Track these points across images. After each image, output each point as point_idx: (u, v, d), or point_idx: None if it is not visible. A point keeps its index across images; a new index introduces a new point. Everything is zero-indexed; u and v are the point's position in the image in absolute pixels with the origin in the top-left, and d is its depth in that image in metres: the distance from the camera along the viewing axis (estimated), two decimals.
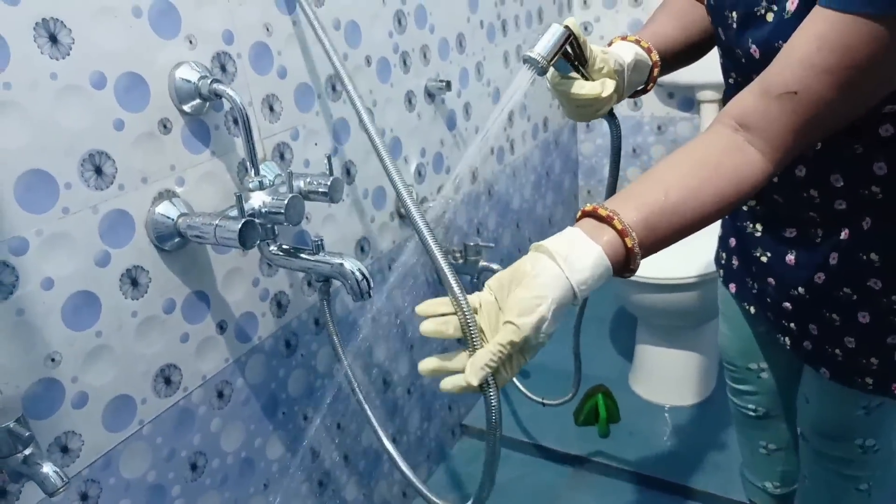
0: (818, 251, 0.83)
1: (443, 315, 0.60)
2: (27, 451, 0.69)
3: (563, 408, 1.63)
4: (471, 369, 0.58)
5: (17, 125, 0.74)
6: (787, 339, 0.93)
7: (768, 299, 0.93)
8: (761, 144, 0.64)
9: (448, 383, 0.59)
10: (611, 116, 0.89)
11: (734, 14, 0.76)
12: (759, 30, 0.71)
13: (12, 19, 0.73)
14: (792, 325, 0.91)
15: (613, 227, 0.60)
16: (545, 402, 1.61)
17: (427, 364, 0.61)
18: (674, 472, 1.56)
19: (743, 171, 0.64)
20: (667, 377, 1.77)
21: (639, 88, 0.88)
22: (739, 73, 0.81)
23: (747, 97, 0.65)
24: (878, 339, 0.82)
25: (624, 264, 0.61)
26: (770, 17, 0.69)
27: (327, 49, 0.97)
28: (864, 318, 0.82)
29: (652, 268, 1.54)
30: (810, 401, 0.97)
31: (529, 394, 1.65)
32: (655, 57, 0.86)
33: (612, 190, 0.99)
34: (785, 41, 0.65)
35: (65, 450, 0.84)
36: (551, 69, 0.77)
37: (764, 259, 0.91)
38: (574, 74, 0.80)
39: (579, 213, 0.64)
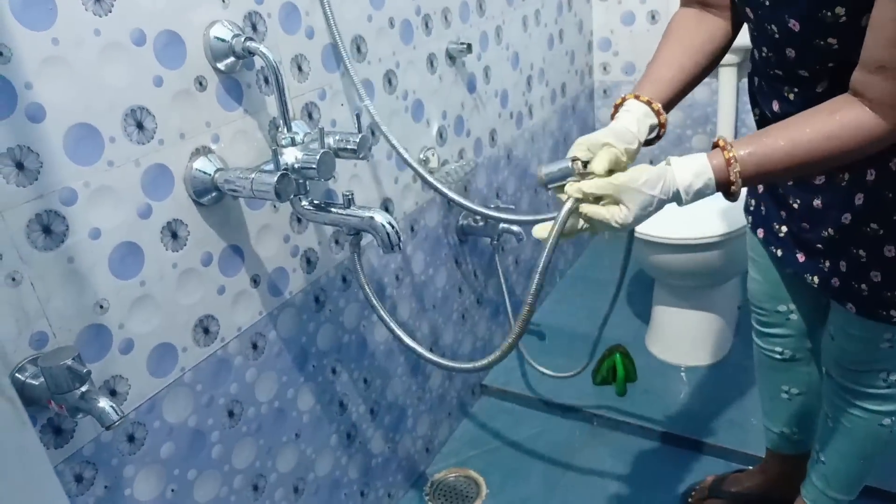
0: (844, 193, 0.87)
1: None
2: (84, 388, 0.73)
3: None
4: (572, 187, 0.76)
5: (65, 80, 0.77)
6: (815, 278, 0.98)
7: (804, 239, 0.98)
8: (873, 107, 0.72)
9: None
10: None
11: None
12: (795, 5, 0.77)
13: None
14: (826, 262, 0.95)
15: (721, 150, 0.76)
16: (553, 375, 1.63)
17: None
18: (689, 428, 1.60)
19: (854, 119, 0.73)
20: (683, 338, 1.80)
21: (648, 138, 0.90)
22: (771, 48, 0.85)
23: (855, 74, 0.74)
24: None
25: (726, 181, 0.75)
26: None
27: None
28: (889, 251, 0.87)
29: (669, 228, 1.56)
30: (836, 338, 1.01)
31: (538, 366, 1.68)
32: (663, 119, 0.89)
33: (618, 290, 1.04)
34: (829, 10, 0.73)
35: (113, 393, 0.88)
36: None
37: (795, 205, 0.96)
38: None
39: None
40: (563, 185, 0.79)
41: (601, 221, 0.75)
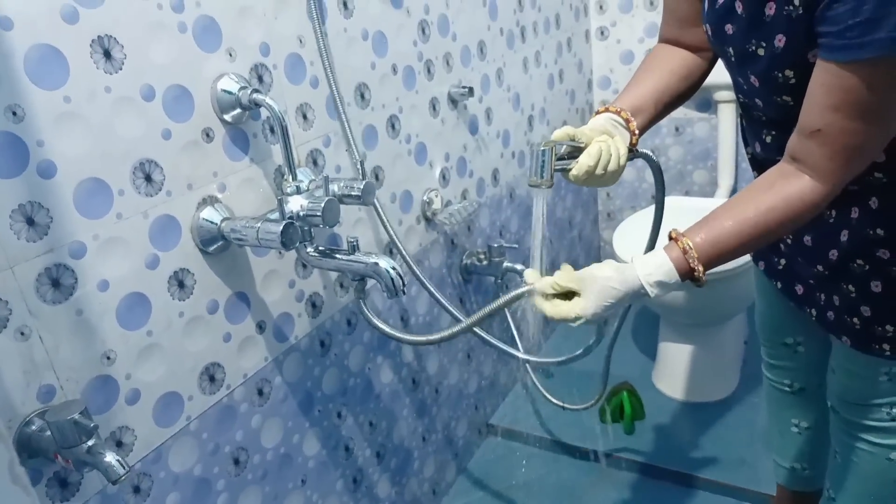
0: (831, 230, 0.90)
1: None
2: (90, 442, 0.73)
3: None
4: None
5: (77, 136, 0.79)
6: (813, 310, 1.00)
7: (800, 273, 1.00)
8: (810, 172, 0.77)
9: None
10: (643, 157, 0.96)
11: (731, 50, 0.85)
12: (755, 64, 0.82)
13: (71, 37, 0.78)
14: (822, 296, 0.97)
15: (675, 241, 0.81)
16: (566, 406, 1.63)
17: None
18: (699, 467, 1.58)
19: (791, 189, 0.77)
20: (690, 374, 1.79)
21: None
22: (744, 96, 0.90)
23: (793, 138, 0.79)
24: (890, 307, 0.88)
25: (688, 269, 0.80)
26: (762, 52, 0.79)
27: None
28: (876, 287, 0.88)
29: None
30: (836, 371, 1.02)
31: (550, 397, 1.67)
32: (633, 126, 0.94)
33: (658, 219, 1.07)
34: (780, 71, 0.78)
35: (119, 444, 0.88)
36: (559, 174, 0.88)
37: (789, 241, 0.99)
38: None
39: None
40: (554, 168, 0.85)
41: (563, 318, 0.80)
